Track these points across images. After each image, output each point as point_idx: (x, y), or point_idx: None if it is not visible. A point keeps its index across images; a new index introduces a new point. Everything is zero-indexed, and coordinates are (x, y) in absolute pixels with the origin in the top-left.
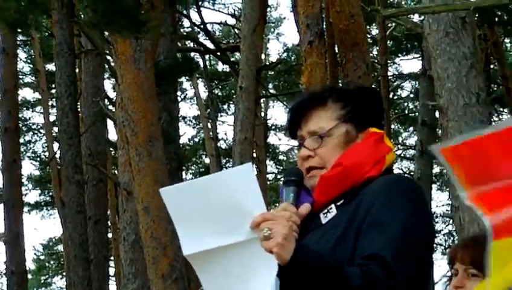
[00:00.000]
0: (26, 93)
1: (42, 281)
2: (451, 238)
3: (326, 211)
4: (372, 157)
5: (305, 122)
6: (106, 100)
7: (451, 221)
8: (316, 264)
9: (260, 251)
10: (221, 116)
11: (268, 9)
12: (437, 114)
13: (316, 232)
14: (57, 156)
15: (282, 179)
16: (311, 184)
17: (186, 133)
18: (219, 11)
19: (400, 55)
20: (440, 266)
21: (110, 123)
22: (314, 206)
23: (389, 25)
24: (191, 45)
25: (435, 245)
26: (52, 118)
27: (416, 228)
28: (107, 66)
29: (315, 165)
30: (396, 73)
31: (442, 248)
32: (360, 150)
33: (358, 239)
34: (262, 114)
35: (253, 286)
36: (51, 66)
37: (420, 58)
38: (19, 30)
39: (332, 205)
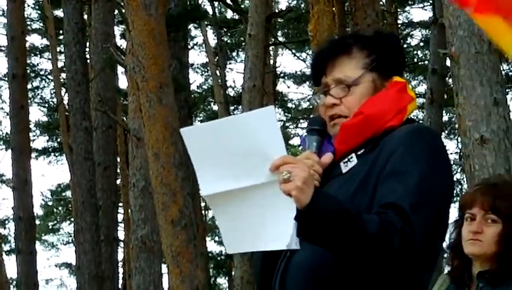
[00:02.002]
0: (34, 40)
1: (50, 227)
2: (459, 186)
3: (346, 160)
4: (394, 107)
5: (330, 70)
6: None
7: (459, 169)
8: (333, 209)
9: (279, 193)
10: (230, 63)
11: None
12: (447, 62)
13: (336, 181)
14: (65, 102)
15: (291, 126)
16: (334, 132)
17: (195, 80)
18: None
19: (409, 3)
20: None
21: (119, 70)
22: (335, 155)
23: None
24: None
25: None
26: (60, 64)
27: (435, 178)
28: (117, 12)
29: (340, 114)
30: (406, 21)
31: None
32: (381, 99)
33: (377, 187)
34: (272, 62)
35: (270, 228)
36: (60, 12)
37: (431, 7)
38: None
39: (353, 154)
